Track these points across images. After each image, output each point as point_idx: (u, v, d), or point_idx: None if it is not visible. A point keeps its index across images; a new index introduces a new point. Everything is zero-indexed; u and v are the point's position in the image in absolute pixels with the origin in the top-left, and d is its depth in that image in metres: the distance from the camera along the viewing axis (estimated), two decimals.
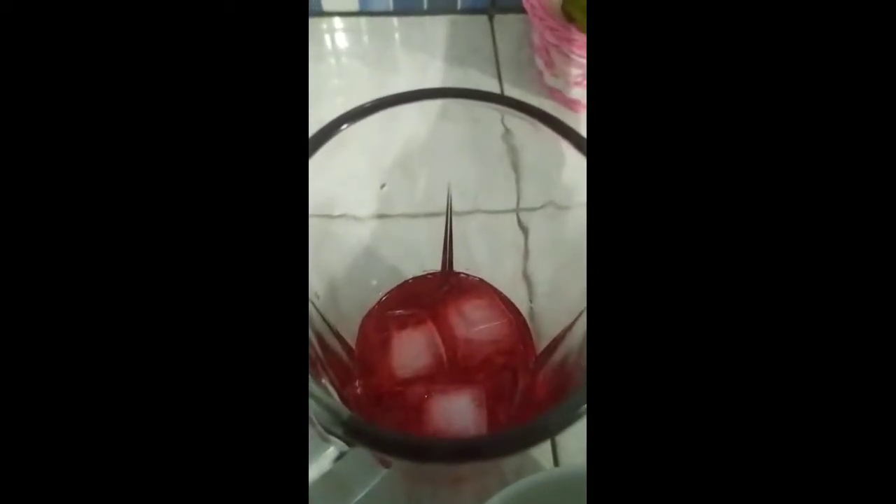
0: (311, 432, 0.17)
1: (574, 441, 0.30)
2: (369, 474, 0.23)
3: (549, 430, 0.16)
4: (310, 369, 0.17)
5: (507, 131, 0.24)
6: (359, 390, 0.27)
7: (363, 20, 0.47)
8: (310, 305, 0.22)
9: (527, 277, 0.30)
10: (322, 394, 0.17)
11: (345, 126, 0.21)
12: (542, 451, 0.30)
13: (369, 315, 0.29)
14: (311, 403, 0.17)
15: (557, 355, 0.26)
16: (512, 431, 0.16)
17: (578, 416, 0.16)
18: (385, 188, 0.26)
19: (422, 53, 0.45)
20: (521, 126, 0.23)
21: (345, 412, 0.16)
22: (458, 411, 0.25)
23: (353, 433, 0.16)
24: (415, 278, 0.30)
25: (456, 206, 0.29)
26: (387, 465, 0.23)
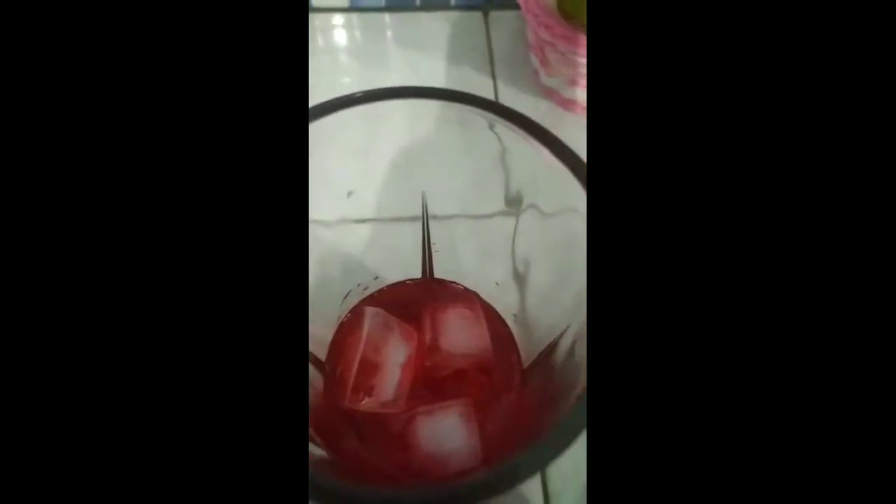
0: None
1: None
2: None
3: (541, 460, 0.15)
4: None
5: (498, 134, 0.23)
6: (333, 410, 0.25)
7: (354, 16, 0.46)
8: None
9: (516, 284, 0.28)
10: None
11: (327, 115, 0.20)
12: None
13: (341, 328, 0.27)
14: None
15: (546, 367, 0.24)
16: (490, 473, 0.14)
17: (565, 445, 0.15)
18: (352, 195, 0.25)
19: (414, 50, 0.44)
20: (512, 129, 0.21)
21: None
22: (446, 431, 0.24)
23: (317, 494, 0.14)
24: (391, 285, 0.29)
25: (442, 210, 0.28)
26: None
